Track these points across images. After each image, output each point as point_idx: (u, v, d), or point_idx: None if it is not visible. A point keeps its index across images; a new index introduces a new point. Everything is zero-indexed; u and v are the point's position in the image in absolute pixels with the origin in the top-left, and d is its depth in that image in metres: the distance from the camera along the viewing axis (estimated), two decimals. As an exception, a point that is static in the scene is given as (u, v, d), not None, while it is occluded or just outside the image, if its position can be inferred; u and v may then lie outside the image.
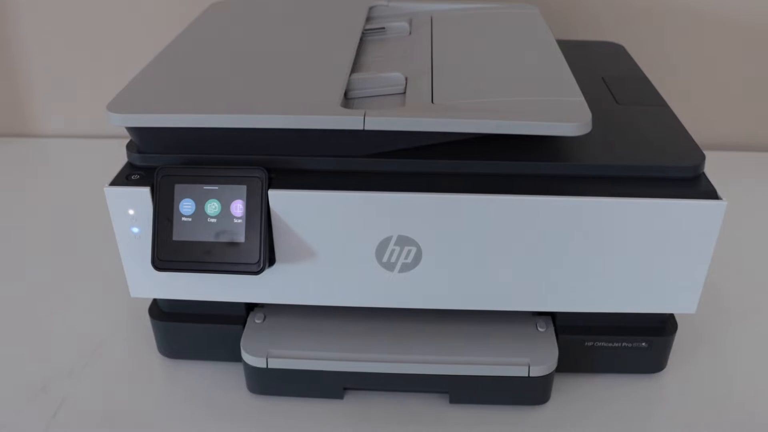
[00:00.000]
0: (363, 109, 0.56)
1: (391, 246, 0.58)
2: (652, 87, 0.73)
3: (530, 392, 0.63)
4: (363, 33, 0.75)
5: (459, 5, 0.83)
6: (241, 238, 0.56)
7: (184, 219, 0.57)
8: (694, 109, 1.10)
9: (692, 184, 0.57)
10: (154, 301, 0.68)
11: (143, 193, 0.57)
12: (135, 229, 0.58)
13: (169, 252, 0.57)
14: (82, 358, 0.70)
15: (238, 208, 0.56)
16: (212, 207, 0.56)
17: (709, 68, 1.09)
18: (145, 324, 0.68)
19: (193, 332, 0.67)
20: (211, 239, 0.56)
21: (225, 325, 0.66)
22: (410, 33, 0.78)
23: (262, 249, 0.56)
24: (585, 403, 0.65)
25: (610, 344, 0.65)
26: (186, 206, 0.57)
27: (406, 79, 0.63)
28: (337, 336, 0.64)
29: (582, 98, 0.57)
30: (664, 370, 0.68)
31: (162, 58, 0.66)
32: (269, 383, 0.64)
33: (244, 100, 0.57)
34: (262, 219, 0.56)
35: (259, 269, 0.56)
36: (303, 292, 0.61)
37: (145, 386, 0.67)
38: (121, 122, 0.56)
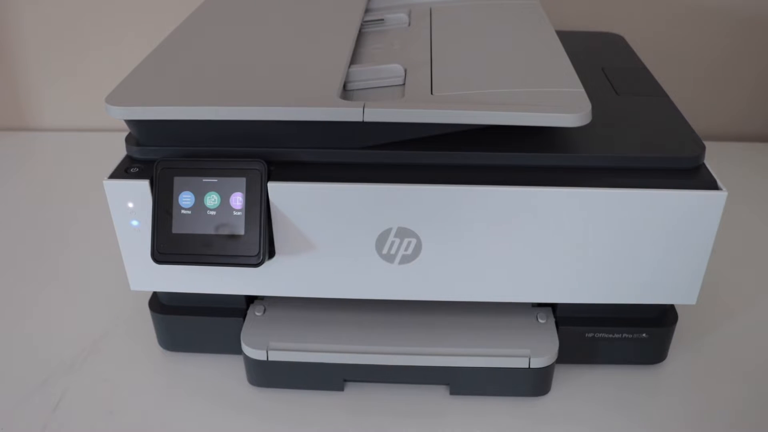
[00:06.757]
0: (362, 100, 0.56)
1: (391, 238, 0.58)
2: (651, 77, 0.73)
3: (531, 384, 0.64)
4: (362, 24, 0.75)
5: (458, -4, 0.83)
6: (241, 231, 0.56)
7: (183, 212, 0.56)
8: (693, 99, 1.10)
9: (693, 174, 0.57)
10: (154, 294, 0.68)
11: (142, 186, 0.57)
12: (134, 222, 0.58)
13: (169, 245, 0.57)
14: (83, 351, 0.70)
15: (237, 200, 0.56)
16: (212, 199, 0.56)
17: (709, 58, 1.09)
18: (146, 317, 0.68)
19: (193, 325, 0.67)
20: (211, 232, 0.56)
21: (225, 318, 0.66)
22: (409, 24, 0.77)
23: (261, 241, 0.56)
24: (585, 395, 0.65)
25: (611, 335, 0.65)
26: (185, 199, 0.56)
27: (405, 70, 0.63)
28: (337, 328, 0.64)
29: (582, 89, 0.57)
30: (665, 361, 0.68)
31: (160, 50, 0.66)
32: (269, 376, 0.64)
33: (244, 91, 0.57)
34: (261, 211, 0.56)
35: (258, 262, 0.56)
36: (303, 285, 0.61)
37: (145, 379, 0.67)
38: (120, 115, 0.55)
